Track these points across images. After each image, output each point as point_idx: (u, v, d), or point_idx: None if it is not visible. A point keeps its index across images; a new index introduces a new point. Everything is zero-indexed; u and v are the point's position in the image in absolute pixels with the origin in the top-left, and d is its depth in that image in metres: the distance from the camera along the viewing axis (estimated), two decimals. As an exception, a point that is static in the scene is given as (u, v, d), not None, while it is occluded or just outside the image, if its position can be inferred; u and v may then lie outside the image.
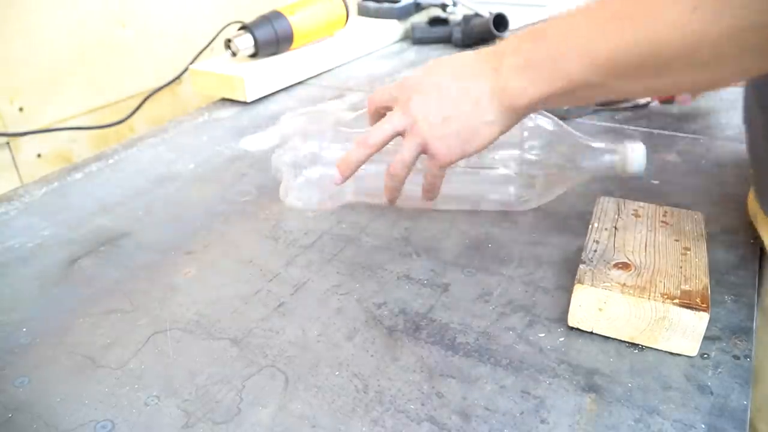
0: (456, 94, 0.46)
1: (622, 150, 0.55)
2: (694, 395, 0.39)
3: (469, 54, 0.48)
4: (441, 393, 0.40)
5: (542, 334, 0.45)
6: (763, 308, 0.53)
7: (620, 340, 0.44)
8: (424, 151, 0.48)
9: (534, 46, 0.42)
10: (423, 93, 0.47)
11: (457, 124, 0.46)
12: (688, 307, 0.41)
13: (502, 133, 0.46)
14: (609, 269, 0.44)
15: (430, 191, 0.52)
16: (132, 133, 0.99)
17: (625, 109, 0.80)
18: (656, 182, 0.64)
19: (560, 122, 0.57)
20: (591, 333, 0.44)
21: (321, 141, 0.57)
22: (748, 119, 0.55)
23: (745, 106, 0.55)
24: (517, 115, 0.45)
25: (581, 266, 0.45)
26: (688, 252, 0.46)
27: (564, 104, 0.43)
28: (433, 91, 0.47)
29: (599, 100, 0.44)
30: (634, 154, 0.55)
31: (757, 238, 0.54)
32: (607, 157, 0.56)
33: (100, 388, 0.41)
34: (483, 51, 0.47)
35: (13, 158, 0.86)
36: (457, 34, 1.12)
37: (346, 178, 0.51)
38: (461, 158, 0.48)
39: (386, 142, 0.49)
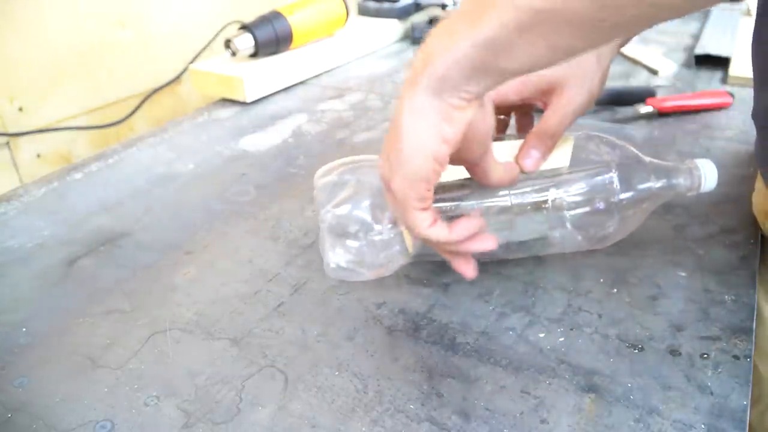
0: (395, 119, 0.37)
1: (694, 168, 0.49)
2: (694, 395, 0.39)
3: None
4: (441, 393, 0.40)
5: (542, 334, 0.45)
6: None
7: (620, 340, 0.44)
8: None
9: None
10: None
11: (399, 143, 0.37)
12: None
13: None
14: None
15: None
16: (132, 133, 0.99)
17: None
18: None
19: (620, 142, 0.50)
20: (591, 332, 0.44)
21: (362, 199, 0.46)
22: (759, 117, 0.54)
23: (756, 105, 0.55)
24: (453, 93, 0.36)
25: None
26: None
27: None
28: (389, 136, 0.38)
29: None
30: (709, 172, 0.48)
31: (757, 239, 0.54)
32: (681, 179, 0.49)
33: (100, 388, 0.41)
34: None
35: (12, 158, 0.86)
36: (457, 34, 1.12)
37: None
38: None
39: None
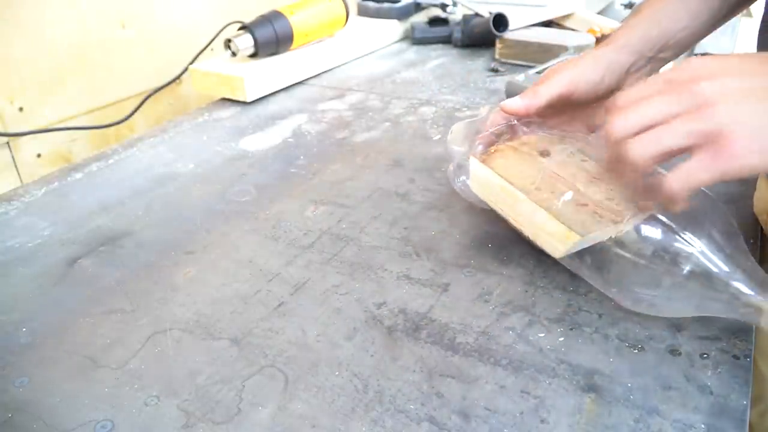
0: None
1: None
2: (694, 395, 0.39)
3: None
4: (441, 393, 0.40)
5: (542, 334, 0.45)
6: None
7: (620, 340, 0.44)
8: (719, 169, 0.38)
9: None
10: (735, 100, 0.38)
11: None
12: None
13: None
14: None
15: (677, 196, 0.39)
16: (132, 133, 0.99)
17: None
18: (656, 182, 0.63)
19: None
20: (591, 332, 0.44)
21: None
22: None
23: None
24: None
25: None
26: None
27: None
28: (752, 98, 0.37)
29: None
30: None
31: (757, 239, 0.54)
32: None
33: (100, 388, 0.41)
34: None
35: (13, 158, 0.86)
36: (457, 34, 1.12)
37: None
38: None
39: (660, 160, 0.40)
